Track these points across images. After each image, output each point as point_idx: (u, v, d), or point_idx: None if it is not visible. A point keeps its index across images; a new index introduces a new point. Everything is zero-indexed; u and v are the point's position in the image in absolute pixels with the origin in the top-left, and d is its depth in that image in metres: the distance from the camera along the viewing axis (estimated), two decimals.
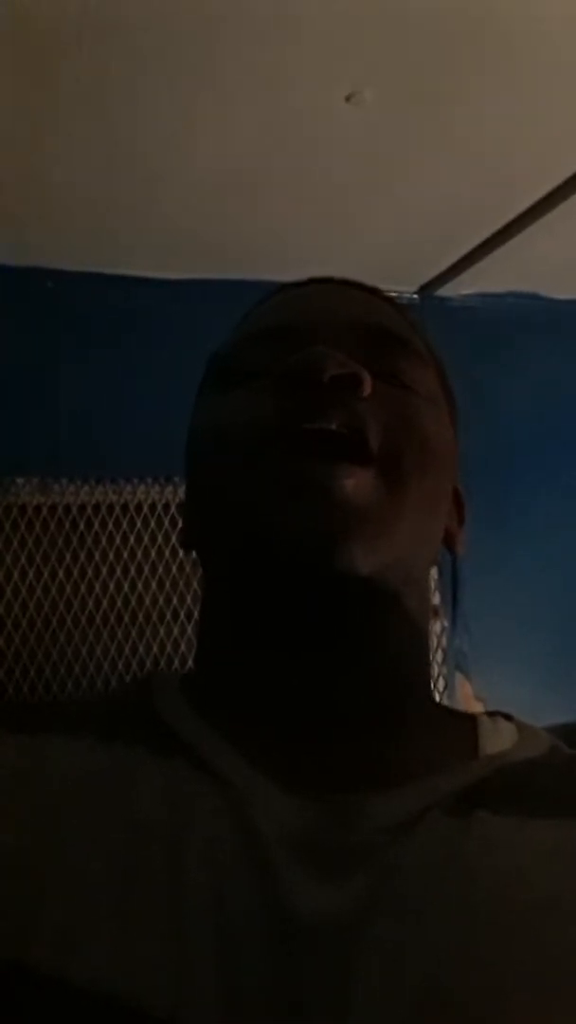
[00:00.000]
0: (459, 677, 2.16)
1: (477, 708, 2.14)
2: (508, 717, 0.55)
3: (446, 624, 2.15)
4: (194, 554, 0.59)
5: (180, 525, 0.60)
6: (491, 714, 0.56)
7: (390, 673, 0.52)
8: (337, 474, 0.48)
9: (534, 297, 2.32)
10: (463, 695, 2.14)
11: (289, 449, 0.48)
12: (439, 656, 2.12)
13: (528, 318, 2.31)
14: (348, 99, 1.44)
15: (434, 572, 2.11)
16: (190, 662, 0.58)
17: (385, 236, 1.95)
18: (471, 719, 0.55)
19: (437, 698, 1.94)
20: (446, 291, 2.25)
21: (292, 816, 0.46)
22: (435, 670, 2.11)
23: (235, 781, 0.47)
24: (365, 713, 0.50)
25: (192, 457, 0.57)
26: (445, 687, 2.12)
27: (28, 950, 0.42)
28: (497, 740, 0.52)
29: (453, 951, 0.42)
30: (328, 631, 0.50)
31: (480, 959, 0.42)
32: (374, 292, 0.60)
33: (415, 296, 2.26)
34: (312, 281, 0.61)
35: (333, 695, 0.50)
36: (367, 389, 0.50)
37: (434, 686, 2.10)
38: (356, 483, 0.48)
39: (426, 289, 2.25)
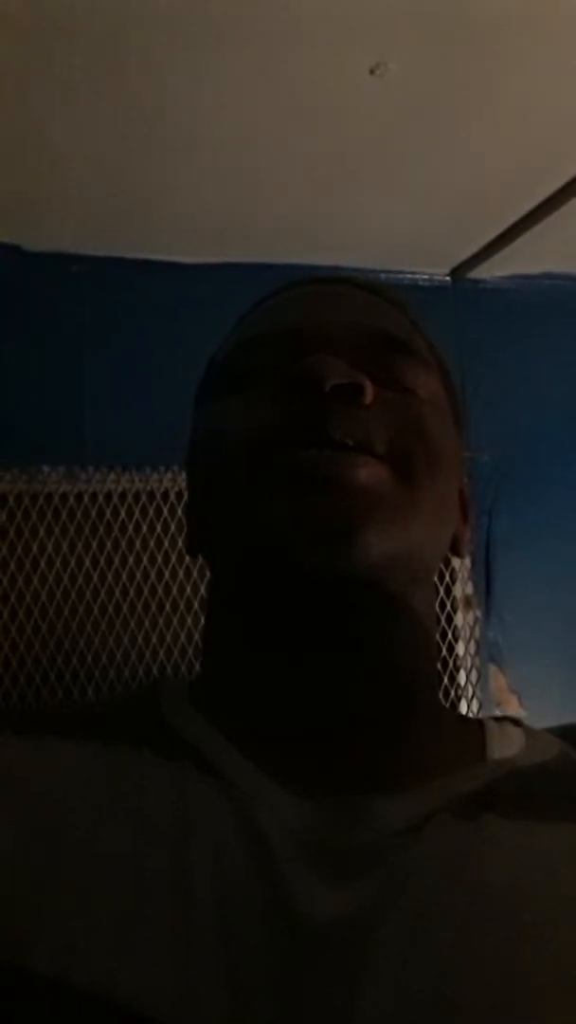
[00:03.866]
0: (492, 669, 2.12)
1: (511, 701, 2.11)
2: (516, 722, 0.55)
3: (479, 615, 2.11)
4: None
5: (185, 530, 0.61)
6: (499, 719, 0.56)
7: (397, 676, 0.51)
8: (348, 464, 0.48)
9: (569, 278, 2.27)
10: (497, 687, 2.11)
11: (296, 450, 0.48)
12: (472, 648, 2.09)
13: (563, 300, 2.26)
14: (372, 71, 1.40)
15: (467, 562, 2.07)
16: (197, 666, 0.57)
17: (415, 216, 1.91)
18: (479, 723, 0.55)
19: (470, 690, 1.92)
20: (479, 273, 2.20)
21: (299, 819, 0.45)
22: (468, 662, 2.08)
23: (241, 783, 0.47)
24: (372, 716, 0.50)
25: (195, 463, 0.57)
26: (478, 679, 2.08)
27: (30, 953, 0.41)
28: (505, 745, 0.52)
29: (461, 955, 0.42)
30: (335, 632, 0.50)
31: (488, 964, 0.41)
32: (375, 291, 0.60)
33: (447, 279, 2.22)
34: (311, 281, 0.60)
35: (340, 697, 0.50)
36: (369, 397, 0.50)
37: (467, 678, 2.07)
38: (368, 472, 0.49)
39: (458, 271, 2.21)
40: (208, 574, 0.57)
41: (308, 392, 0.49)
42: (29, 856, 0.44)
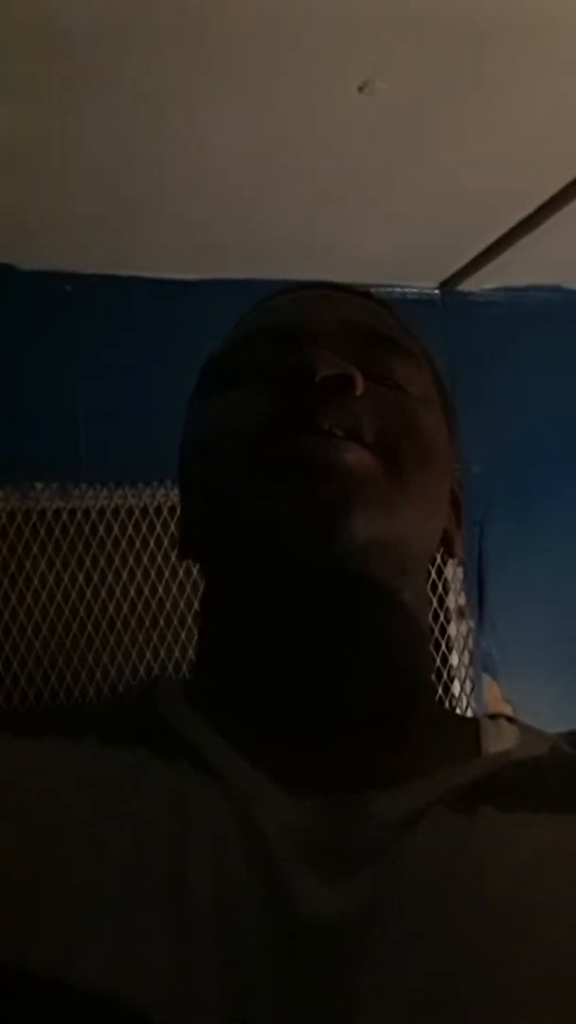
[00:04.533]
0: (486, 679, 2.13)
1: (505, 711, 2.11)
2: (510, 719, 0.55)
3: (472, 625, 2.12)
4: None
5: (177, 535, 0.61)
6: (493, 716, 0.55)
7: (391, 671, 0.52)
8: (336, 448, 0.49)
9: (557, 290, 2.29)
10: (490, 697, 2.11)
11: (286, 440, 0.49)
12: (466, 658, 2.09)
13: (551, 311, 2.28)
14: (361, 89, 1.41)
15: (459, 572, 2.08)
16: (190, 668, 0.58)
17: (404, 231, 1.92)
18: (473, 720, 0.55)
19: (464, 700, 1.91)
20: (468, 286, 2.22)
21: (295, 816, 0.45)
22: (462, 672, 2.08)
23: (238, 782, 0.47)
24: (367, 712, 0.50)
25: (187, 463, 0.57)
26: (472, 689, 2.09)
27: (29, 953, 0.41)
28: (500, 740, 0.52)
29: (459, 949, 0.42)
30: (327, 627, 0.50)
31: (486, 957, 0.41)
32: (366, 295, 0.61)
33: (436, 291, 2.24)
34: (304, 286, 0.61)
35: (334, 694, 0.50)
36: (359, 389, 0.50)
37: (460, 688, 2.07)
38: (355, 457, 0.49)
39: (447, 284, 2.22)
40: (201, 582, 0.58)
41: (299, 384, 0.49)
42: (27, 857, 0.44)
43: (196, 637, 0.58)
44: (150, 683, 0.56)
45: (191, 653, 1.93)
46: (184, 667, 1.93)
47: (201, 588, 0.58)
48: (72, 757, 0.49)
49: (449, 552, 0.58)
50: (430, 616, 0.58)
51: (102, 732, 0.50)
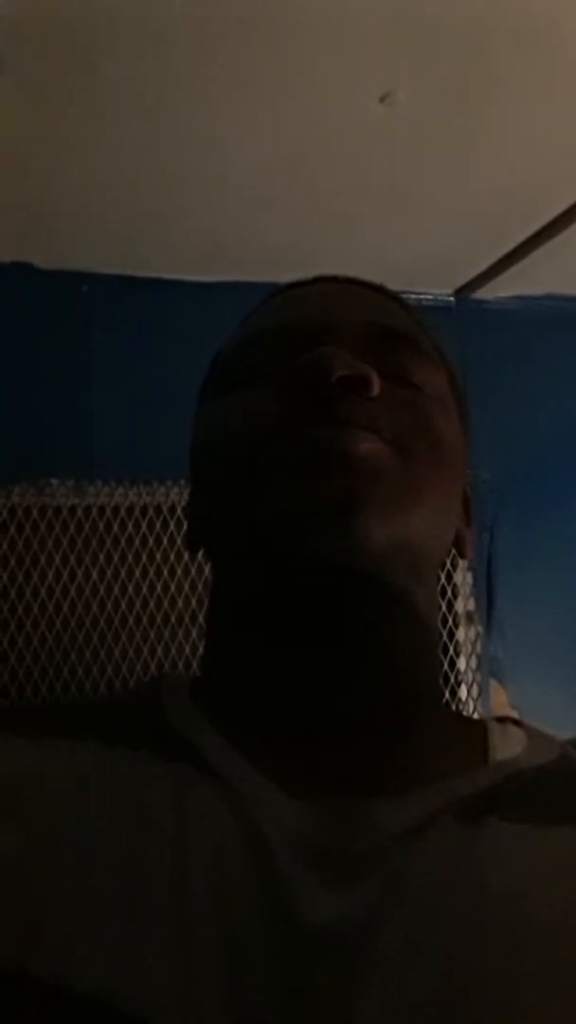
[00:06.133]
0: (493, 684, 2.13)
1: (512, 716, 2.11)
2: (517, 723, 0.54)
3: (480, 630, 2.12)
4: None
5: (185, 527, 0.60)
6: (500, 720, 0.55)
7: (399, 676, 0.51)
8: (351, 438, 0.47)
9: (571, 300, 2.29)
10: (498, 703, 2.11)
11: (299, 431, 0.48)
12: (473, 663, 2.09)
13: (565, 320, 2.28)
14: (382, 100, 1.43)
15: (468, 577, 2.09)
16: (199, 665, 0.57)
17: (421, 238, 1.93)
18: (481, 724, 0.54)
19: (472, 706, 1.90)
20: (483, 293, 2.23)
21: (299, 821, 0.45)
22: (469, 677, 2.08)
23: (240, 785, 0.46)
24: (373, 716, 0.50)
25: (197, 459, 0.57)
26: (479, 694, 2.09)
27: (30, 957, 0.41)
28: (507, 746, 0.51)
29: (461, 959, 0.41)
30: (335, 628, 0.49)
31: (490, 968, 0.41)
32: (380, 290, 0.60)
33: (451, 299, 2.24)
34: (316, 280, 0.60)
35: (341, 698, 0.49)
36: (375, 389, 0.49)
37: (468, 693, 2.08)
38: (371, 448, 0.48)
39: (463, 291, 2.23)
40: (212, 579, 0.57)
41: (315, 383, 0.48)
42: (29, 859, 0.44)
43: (204, 634, 0.57)
44: (155, 681, 0.55)
45: (201, 651, 1.94)
46: (195, 664, 1.94)
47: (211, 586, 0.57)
48: (74, 758, 0.48)
49: (461, 553, 0.57)
50: (439, 620, 0.58)
51: (105, 733, 0.50)
